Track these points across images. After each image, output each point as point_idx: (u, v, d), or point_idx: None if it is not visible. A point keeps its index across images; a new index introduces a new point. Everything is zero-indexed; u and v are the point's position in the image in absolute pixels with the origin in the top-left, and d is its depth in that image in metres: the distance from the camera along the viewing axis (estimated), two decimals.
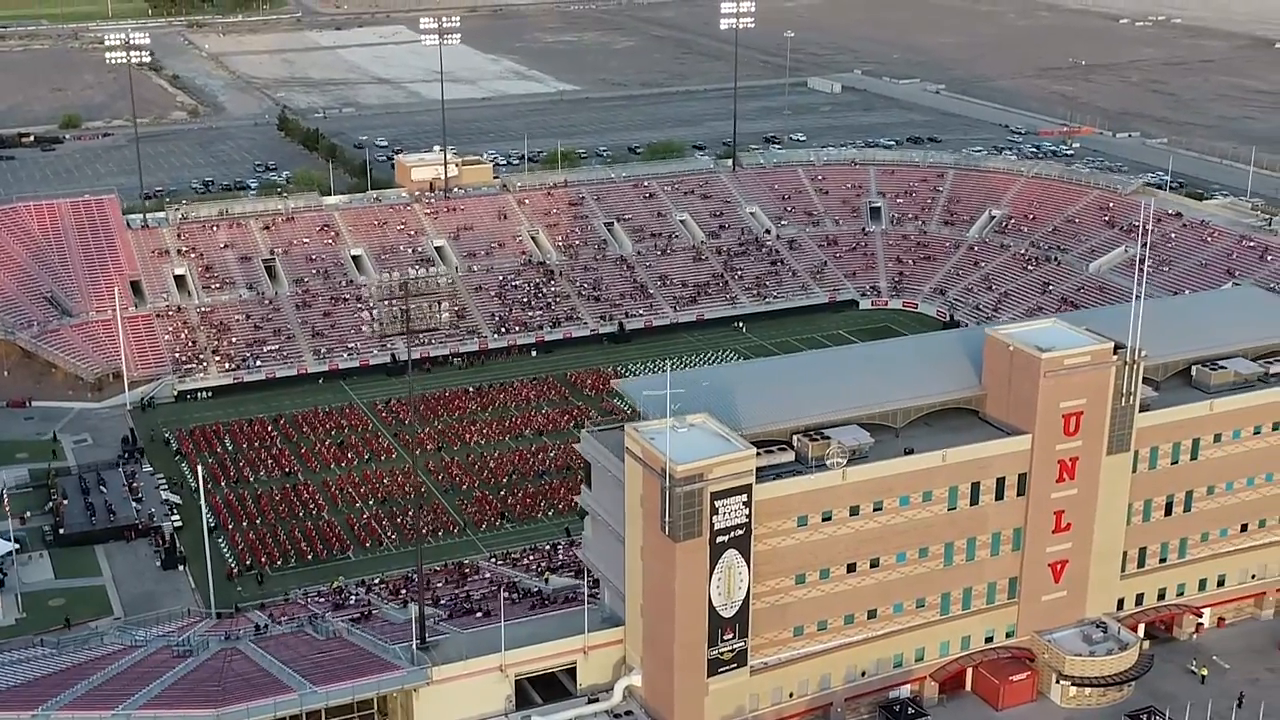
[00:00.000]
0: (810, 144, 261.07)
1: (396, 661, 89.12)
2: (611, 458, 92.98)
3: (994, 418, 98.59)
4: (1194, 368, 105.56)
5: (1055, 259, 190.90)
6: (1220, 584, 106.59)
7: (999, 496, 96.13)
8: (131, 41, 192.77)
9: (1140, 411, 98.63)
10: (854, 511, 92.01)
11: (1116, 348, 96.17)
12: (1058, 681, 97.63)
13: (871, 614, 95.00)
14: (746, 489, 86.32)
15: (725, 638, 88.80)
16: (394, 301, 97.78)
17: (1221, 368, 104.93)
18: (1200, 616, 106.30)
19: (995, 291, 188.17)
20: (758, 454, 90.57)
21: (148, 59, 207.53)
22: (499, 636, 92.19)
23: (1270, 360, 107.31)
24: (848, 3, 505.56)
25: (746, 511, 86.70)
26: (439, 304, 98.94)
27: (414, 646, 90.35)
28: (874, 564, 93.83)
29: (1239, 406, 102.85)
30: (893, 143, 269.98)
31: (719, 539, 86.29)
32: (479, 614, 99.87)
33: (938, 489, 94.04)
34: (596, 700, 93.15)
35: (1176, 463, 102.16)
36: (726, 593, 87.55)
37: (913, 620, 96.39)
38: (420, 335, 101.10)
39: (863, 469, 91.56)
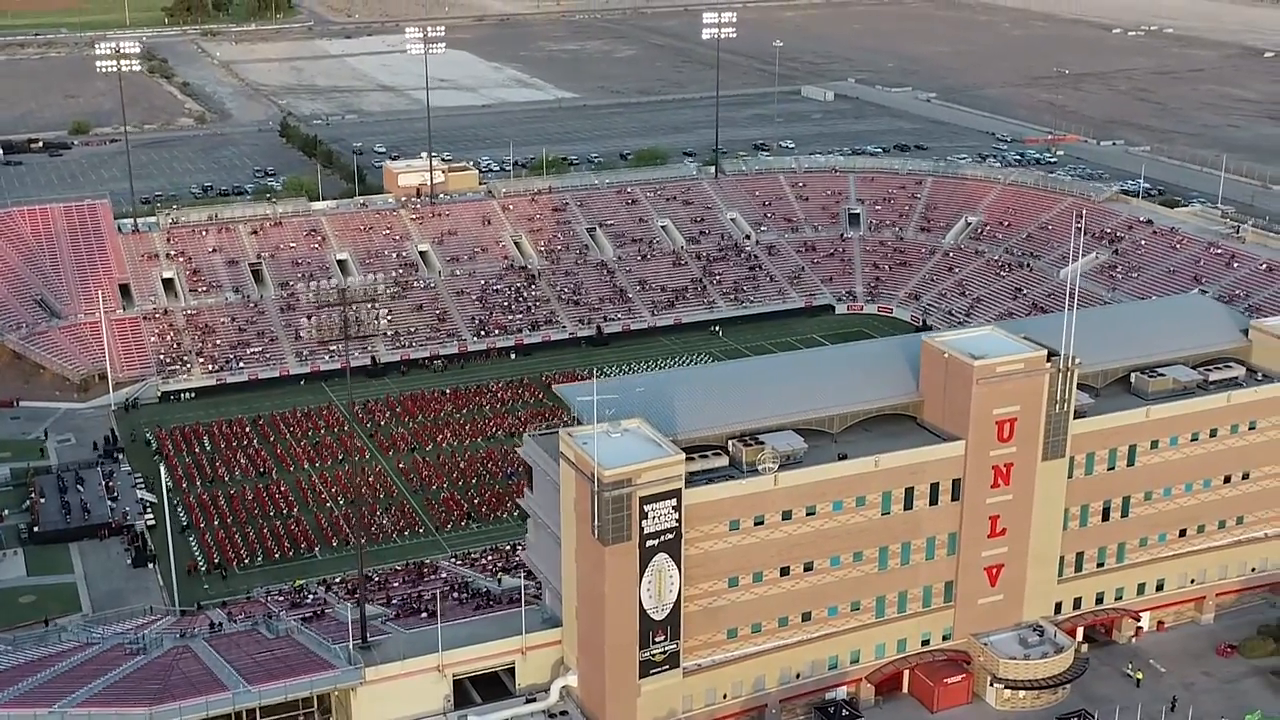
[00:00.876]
0: (798, 151, 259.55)
1: (334, 661, 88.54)
2: (550, 461, 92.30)
3: (931, 424, 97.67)
4: (1133, 375, 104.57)
5: (1028, 265, 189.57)
6: (1159, 588, 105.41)
7: (933, 502, 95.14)
8: (122, 50, 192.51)
9: (1076, 418, 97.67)
10: (786, 516, 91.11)
11: (1050, 355, 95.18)
12: (991, 684, 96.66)
13: (806, 617, 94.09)
14: (676, 494, 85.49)
15: (657, 640, 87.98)
16: (330, 309, 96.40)
17: (1160, 375, 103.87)
18: (1139, 620, 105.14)
19: (968, 297, 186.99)
20: (692, 459, 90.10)
21: (138, 67, 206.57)
22: (440, 637, 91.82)
23: (1210, 368, 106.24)
24: (847, 13, 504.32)
25: (676, 516, 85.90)
26: (377, 311, 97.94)
27: (350, 646, 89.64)
28: (808, 568, 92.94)
29: (1176, 413, 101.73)
30: (879, 150, 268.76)
31: (649, 543, 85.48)
32: (424, 614, 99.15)
33: (871, 494, 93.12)
34: (534, 700, 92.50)
35: (1113, 469, 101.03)
36: (657, 595, 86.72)
37: (848, 623, 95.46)
38: (358, 342, 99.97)
39: (794, 474, 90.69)
